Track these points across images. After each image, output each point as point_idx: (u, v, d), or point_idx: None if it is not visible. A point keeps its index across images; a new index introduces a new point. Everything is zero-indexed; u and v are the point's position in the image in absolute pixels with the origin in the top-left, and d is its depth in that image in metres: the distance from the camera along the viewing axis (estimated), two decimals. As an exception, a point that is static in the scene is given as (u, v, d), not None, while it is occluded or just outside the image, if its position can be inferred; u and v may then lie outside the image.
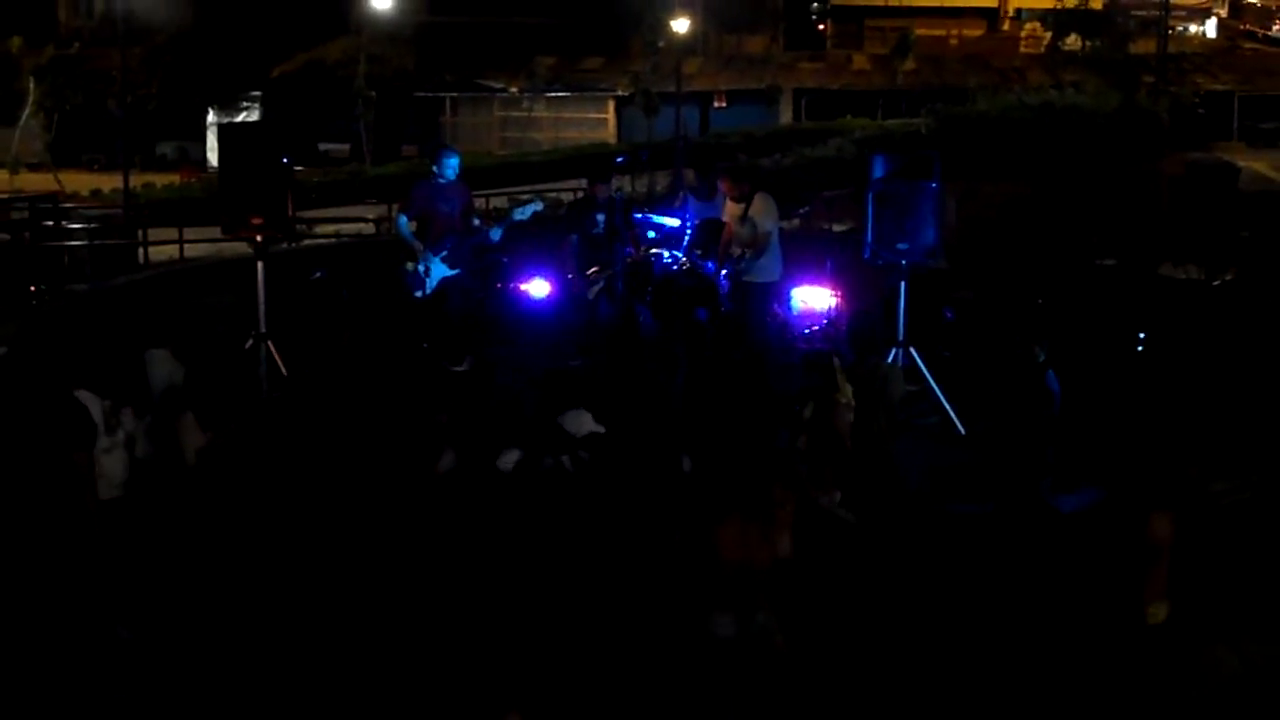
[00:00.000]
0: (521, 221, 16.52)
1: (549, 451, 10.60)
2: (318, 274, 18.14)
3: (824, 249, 18.46)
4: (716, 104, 67.20)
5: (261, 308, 15.06)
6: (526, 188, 38.90)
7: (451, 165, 16.12)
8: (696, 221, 16.98)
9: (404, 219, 16.20)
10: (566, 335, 16.59)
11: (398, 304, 16.08)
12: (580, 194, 30.56)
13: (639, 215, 17.58)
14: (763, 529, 8.36)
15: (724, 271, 16.26)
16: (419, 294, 15.88)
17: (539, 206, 17.01)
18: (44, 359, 13.31)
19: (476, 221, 16.53)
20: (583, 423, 10.72)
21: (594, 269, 16.51)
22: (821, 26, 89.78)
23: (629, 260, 16.45)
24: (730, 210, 16.17)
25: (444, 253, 15.80)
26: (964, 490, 11.98)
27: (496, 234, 16.27)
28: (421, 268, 15.79)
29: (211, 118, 59.76)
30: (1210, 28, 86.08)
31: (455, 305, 16.08)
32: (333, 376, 13.71)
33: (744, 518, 8.38)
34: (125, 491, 10.74)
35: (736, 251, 15.98)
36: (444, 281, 15.91)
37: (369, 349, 15.03)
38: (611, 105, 66.05)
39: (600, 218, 16.56)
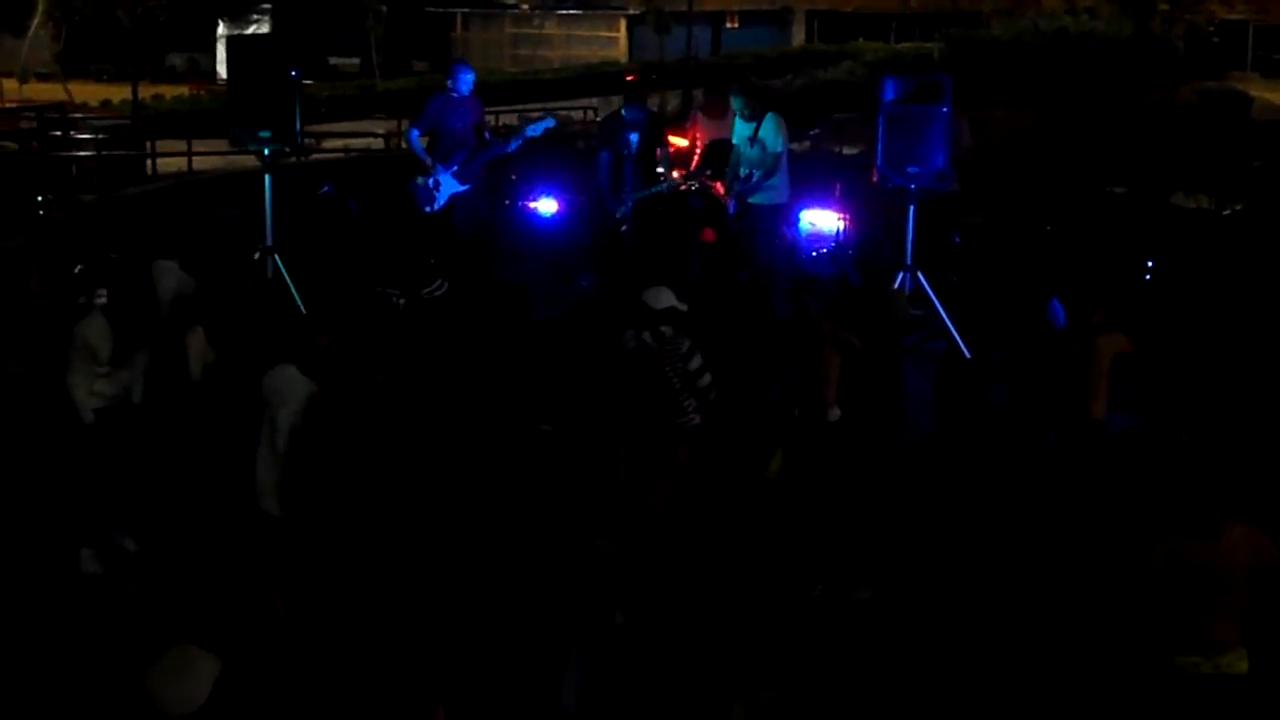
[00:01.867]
0: (534, 138, 16.38)
1: (632, 327, 10.66)
2: (326, 188, 18.11)
3: (833, 172, 18.41)
4: (728, 24, 66.74)
5: (269, 221, 15.08)
6: (537, 105, 38.73)
7: (466, 80, 16.05)
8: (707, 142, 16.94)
9: (415, 132, 16.14)
10: (578, 253, 16.53)
11: (408, 219, 16.02)
12: (593, 112, 30.34)
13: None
14: (655, 463, 8.45)
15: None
16: (428, 209, 15.83)
17: (552, 123, 16.83)
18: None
19: (488, 136, 16.48)
20: (662, 297, 10.71)
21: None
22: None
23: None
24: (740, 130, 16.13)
25: (454, 168, 15.73)
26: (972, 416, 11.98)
27: (515, 144, 16.21)
28: (431, 182, 15.74)
29: (221, 29, 59.37)
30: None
31: (462, 222, 16.03)
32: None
33: (637, 448, 8.47)
34: (131, 403, 10.78)
35: (745, 172, 15.92)
36: (453, 198, 15.85)
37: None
38: (623, 24, 65.61)
39: (634, 138, 16.11)
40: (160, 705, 5.53)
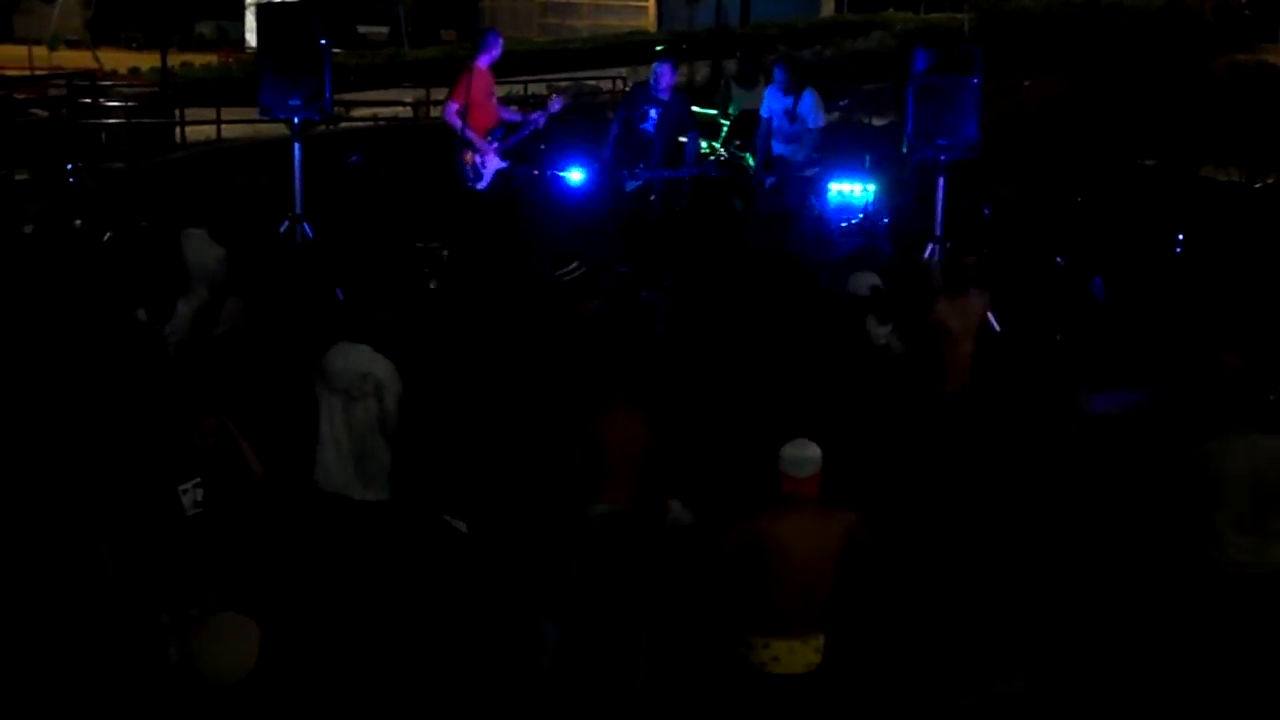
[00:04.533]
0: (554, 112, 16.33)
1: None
2: (354, 157, 18.09)
3: (864, 143, 18.37)
4: (758, -7, 66.53)
5: (298, 189, 15.08)
6: (565, 75, 38.64)
7: (500, 49, 15.93)
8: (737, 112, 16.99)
9: (455, 107, 15.58)
10: (606, 231, 16.45)
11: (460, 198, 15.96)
12: (622, 82, 30.11)
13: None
14: (643, 417, 8.66)
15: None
16: (477, 186, 15.69)
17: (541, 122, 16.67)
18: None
19: (514, 113, 16.43)
20: (867, 280, 10.89)
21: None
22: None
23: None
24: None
25: (495, 144, 15.62)
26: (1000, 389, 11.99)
27: (541, 119, 16.15)
28: (479, 159, 15.59)
29: (251, -3, 59.51)
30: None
31: (503, 197, 15.95)
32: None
33: (624, 405, 8.70)
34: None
35: (781, 149, 16.02)
36: (497, 174, 15.75)
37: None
38: (652, -7, 65.50)
39: (654, 112, 15.85)
40: (212, 672, 5.50)
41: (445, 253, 14.55)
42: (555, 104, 16.40)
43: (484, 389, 10.80)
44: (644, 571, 8.65)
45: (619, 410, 8.69)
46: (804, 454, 7.48)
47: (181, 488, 7.70)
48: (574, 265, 11.50)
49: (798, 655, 7.52)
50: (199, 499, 7.74)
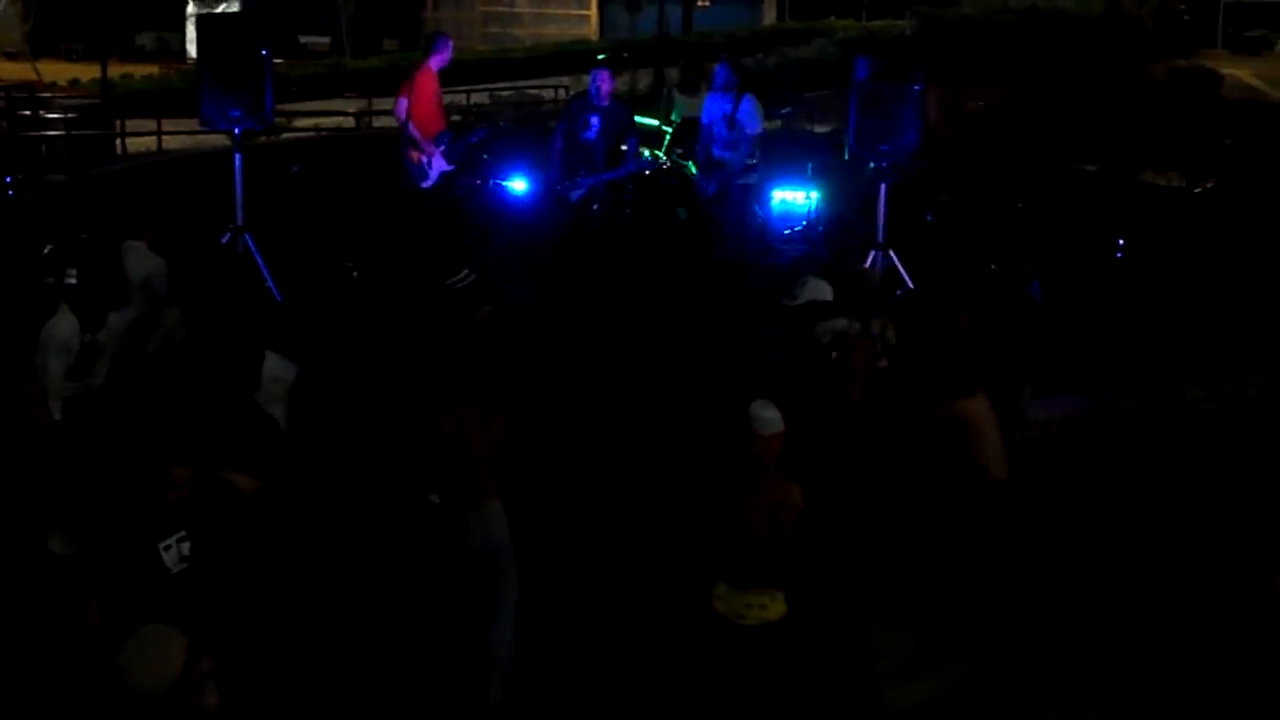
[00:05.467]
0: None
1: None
2: (296, 168, 18.04)
3: (805, 150, 18.41)
4: (700, 2, 66.50)
5: (239, 201, 15.01)
6: (507, 84, 38.65)
7: (450, 52, 16.07)
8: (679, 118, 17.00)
9: (405, 103, 15.95)
10: (551, 243, 16.45)
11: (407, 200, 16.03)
12: (564, 91, 30.12)
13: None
14: (482, 418, 8.74)
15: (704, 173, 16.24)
16: (423, 184, 15.84)
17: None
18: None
19: (456, 117, 16.52)
20: (819, 290, 10.85)
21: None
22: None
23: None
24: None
25: (443, 146, 15.74)
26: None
27: (482, 133, 16.27)
28: (425, 160, 15.75)
29: (191, 8, 58.92)
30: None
31: (446, 205, 16.05)
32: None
33: (463, 406, 8.77)
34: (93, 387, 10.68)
35: (721, 154, 16.02)
36: (441, 175, 15.87)
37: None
38: (594, 2, 65.50)
39: (595, 120, 15.96)
40: (134, 684, 5.43)
41: (355, 273, 14.65)
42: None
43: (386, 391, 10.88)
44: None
45: (461, 410, 8.80)
46: (761, 414, 7.80)
47: (163, 545, 7.47)
48: (464, 274, 11.59)
49: (729, 601, 7.83)
50: (185, 553, 7.54)
